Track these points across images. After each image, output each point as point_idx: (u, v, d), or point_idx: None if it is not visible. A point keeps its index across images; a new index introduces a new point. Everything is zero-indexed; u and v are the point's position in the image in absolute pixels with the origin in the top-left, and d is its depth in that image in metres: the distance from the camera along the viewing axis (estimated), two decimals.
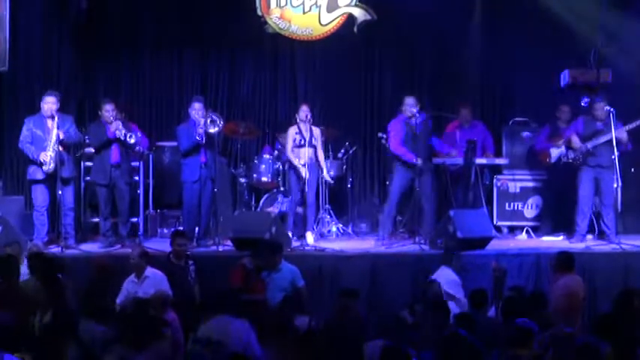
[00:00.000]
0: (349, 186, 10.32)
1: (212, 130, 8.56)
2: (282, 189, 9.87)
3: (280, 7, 10.74)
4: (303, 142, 8.98)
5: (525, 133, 10.18)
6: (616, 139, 8.55)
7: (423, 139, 8.89)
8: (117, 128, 8.45)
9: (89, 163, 9.21)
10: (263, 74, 10.95)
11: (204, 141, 8.59)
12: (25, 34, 10.16)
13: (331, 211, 9.86)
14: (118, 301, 7.11)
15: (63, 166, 8.38)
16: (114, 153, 8.57)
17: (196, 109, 8.76)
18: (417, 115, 8.77)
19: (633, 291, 6.36)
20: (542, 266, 8.12)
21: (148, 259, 7.35)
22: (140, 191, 8.88)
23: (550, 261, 7.73)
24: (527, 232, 9.64)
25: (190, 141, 8.66)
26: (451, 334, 5.21)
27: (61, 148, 8.37)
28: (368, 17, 10.78)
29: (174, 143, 9.33)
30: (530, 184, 9.98)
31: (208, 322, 5.77)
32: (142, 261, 7.27)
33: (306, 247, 8.66)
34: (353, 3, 10.81)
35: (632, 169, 9.61)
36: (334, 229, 9.79)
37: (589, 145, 8.80)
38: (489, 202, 9.76)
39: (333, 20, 10.82)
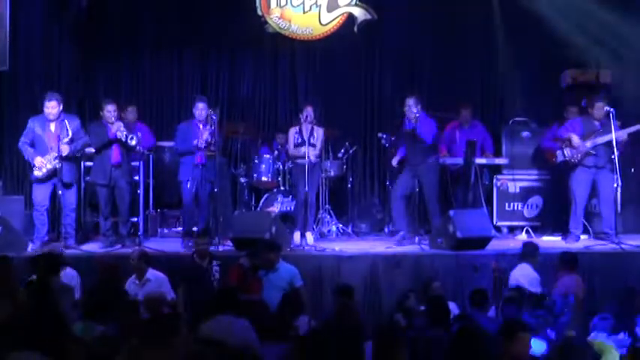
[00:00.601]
0: (349, 186, 10.33)
1: (211, 155, 8.57)
2: (282, 189, 9.88)
3: (280, 6, 10.75)
4: (300, 140, 9.00)
5: (525, 133, 10.18)
6: (616, 140, 8.55)
7: (421, 140, 8.88)
8: (118, 129, 8.44)
9: (89, 163, 9.21)
10: (263, 74, 10.96)
11: (204, 146, 8.59)
12: (25, 34, 10.18)
13: (331, 211, 9.87)
14: None
15: (64, 171, 8.35)
16: (114, 153, 8.55)
17: (200, 109, 8.77)
18: (417, 116, 8.76)
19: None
20: (542, 266, 8.11)
21: (147, 260, 7.35)
22: (140, 191, 8.88)
23: (551, 261, 7.73)
24: (526, 232, 9.63)
25: (187, 145, 8.66)
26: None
27: (56, 163, 8.31)
28: (368, 17, 10.79)
29: (173, 143, 9.33)
30: (530, 184, 9.98)
31: (208, 322, 5.78)
32: (141, 262, 7.27)
33: (306, 247, 8.65)
34: (353, 2, 10.82)
35: (632, 169, 9.61)
36: (334, 229, 9.79)
37: (588, 144, 8.80)
38: (489, 202, 9.76)
39: (333, 20, 10.83)
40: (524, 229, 9.68)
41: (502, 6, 10.45)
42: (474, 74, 10.75)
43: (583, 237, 9.01)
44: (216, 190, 8.73)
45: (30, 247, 8.35)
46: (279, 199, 9.84)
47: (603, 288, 7.88)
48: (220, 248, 8.42)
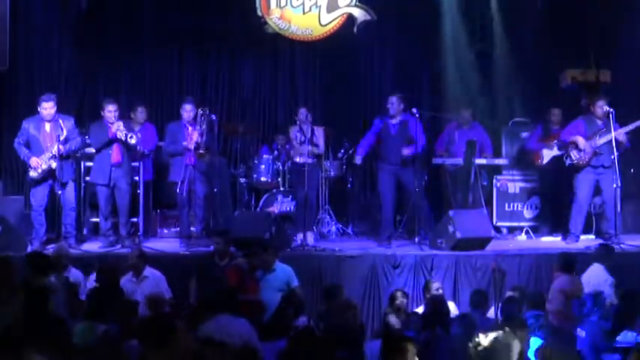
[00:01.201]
0: (349, 186, 10.33)
1: (202, 158, 8.55)
2: (281, 189, 9.88)
3: (280, 7, 10.75)
4: (303, 139, 9.00)
5: (525, 134, 10.18)
6: (615, 140, 8.55)
7: (399, 140, 8.86)
8: (118, 128, 8.43)
9: (89, 163, 9.21)
10: (263, 74, 10.97)
11: (194, 148, 8.56)
12: (25, 34, 10.17)
13: (331, 211, 9.87)
14: None
15: (61, 169, 8.34)
16: (115, 153, 8.54)
17: (187, 111, 8.76)
18: (398, 115, 8.77)
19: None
20: (541, 267, 8.12)
21: (145, 259, 7.37)
22: (140, 191, 8.88)
23: (551, 261, 7.74)
24: (526, 232, 9.64)
25: (177, 148, 8.66)
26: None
27: (51, 163, 8.30)
28: (368, 17, 10.79)
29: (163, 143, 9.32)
30: (530, 185, 9.99)
31: (208, 322, 5.78)
32: (140, 261, 7.29)
33: (306, 247, 8.65)
34: (353, 3, 10.82)
35: (632, 170, 9.61)
36: (334, 229, 9.79)
37: (594, 144, 8.78)
38: (489, 203, 9.76)
39: (333, 20, 10.83)
40: (524, 229, 9.68)
41: (502, 6, 10.45)
42: (474, 74, 10.74)
43: (583, 237, 9.01)
44: (215, 190, 8.72)
45: (29, 247, 8.34)
46: (278, 199, 9.84)
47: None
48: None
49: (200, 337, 5.60)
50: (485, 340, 5.06)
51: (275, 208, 9.72)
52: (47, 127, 8.41)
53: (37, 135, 8.40)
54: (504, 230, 9.96)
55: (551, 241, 9.19)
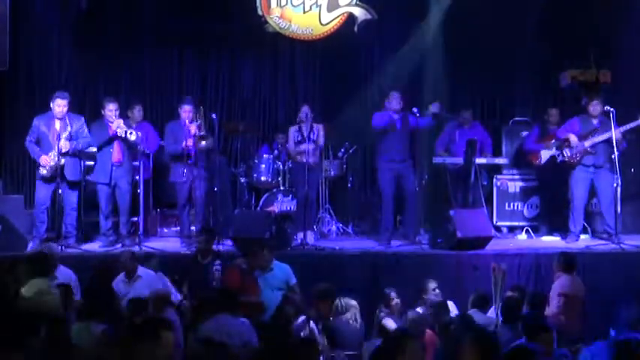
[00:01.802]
0: (349, 186, 10.32)
1: (202, 144, 8.55)
2: (282, 188, 9.88)
3: (280, 6, 10.75)
4: (301, 138, 9.01)
5: (525, 133, 10.18)
6: (609, 139, 8.56)
7: (404, 135, 8.85)
8: (118, 126, 8.45)
9: (89, 163, 9.21)
10: (263, 74, 10.97)
11: (193, 152, 8.56)
12: (25, 34, 10.17)
13: (331, 211, 9.87)
14: None
15: (68, 170, 8.36)
16: (115, 152, 8.57)
17: (186, 111, 8.77)
18: (400, 111, 8.77)
19: None
20: (541, 266, 8.12)
21: (137, 259, 7.39)
22: (140, 190, 8.88)
23: (551, 261, 7.74)
24: (526, 232, 9.64)
25: (176, 148, 8.66)
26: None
27: (57, 159, 8.30)
28: (368, 17, 10.79)
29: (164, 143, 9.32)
30: (530, 184, 9.98)
31: (208, 322, 5.79)
32: (132, 262, 7.29)
33: (306, 247, 8.65)
34: (353, 2, 10.81)
35: (632, 169, 9.61)
36: (334, 228, 9.79)
37: (586, 143, 8.80)
38: (489, 202, 9.76)
39: (333, 20, 10.83)
40: (524, 229, 9.68)
41: (502, 6, 10.45)
42: (474, 74, 10.74)
43: (583, 237, 9.02)
44: (215, 189, 8.73)
45: (29, 246, 8.34)
46: (279, 198, 9.84)
47: (604, 288, 7.88)
48: (220, 248, 8.42)
49: (199, 337, 5.62)
50: None
51: (275, 208, 9.72)
52: (57, 124, 8.42)
53: (46, 132, 8.42)
54: (504, 230, 9.96)
55: (551, 241, 9.19)
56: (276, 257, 7.57)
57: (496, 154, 9.94)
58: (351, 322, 6.61)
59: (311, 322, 6.44)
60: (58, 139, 8.31)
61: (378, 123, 8.92)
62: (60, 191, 8.35)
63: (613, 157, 8.56)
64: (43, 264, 6.62)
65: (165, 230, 9.70)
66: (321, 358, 6.04)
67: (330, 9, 10.82)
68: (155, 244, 8.71)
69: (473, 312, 6.70)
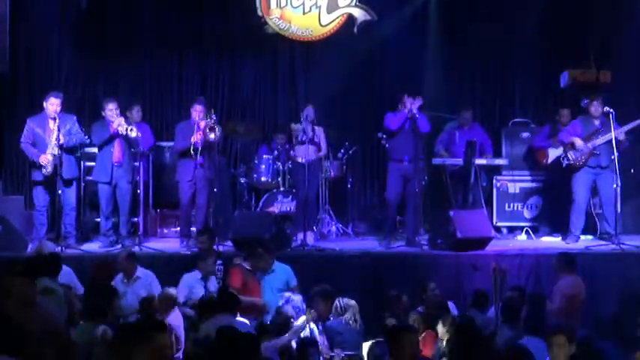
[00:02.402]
0: (349, 186, 10.32)
1: (211, 136, 8.57)
2: (281, 189, 9.87)
3: (280, 7, 10.75)
4: (304, 139, 9.01)
5: (525, 134, 10.19)
6: (615, 139, 8.55)
7: (411, 135, 8.84)
8: (119, 124, 8.47)
9: (90, 163, 9.23)
10: (263, 74, 10.96)
11: (201, 145, 8.58)
12: (25, 34, 10.16)
13: (331, 211, 9.87)
14: None
15: (64, 167, 8.38)
16: (116, 152, 8.59)
17: (197, 111, 8.78)
18: (416, 113, 8.75)
19: None
20: (541, 267, 8.12)
21: (135, 259, 7.38)
22: (140, 191, 8.89)
23: (551, 261, 7.74)
24: (526, 232, 9.64)
25: (185, 144, 8.67)
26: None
27: (58, 151, 8.32)
28: (368, 17, 10.79)
29: (173, 143, 9.33)
30: (530, 185, 9.99)
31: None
32: (130, 263, 7.29)
33: (306, 247, 8.65)
34: (353, 3, 10.81)
35: (632, 170, 9.61)
36: (334, 229, 9.79)
37: (590, 145, 8.79)
38: (489, 203, 9.76)
39: (333, 21, 10.83)
40: (524, 229, 9.68)
41: (502, 6, 10.45)
42: (474, 75, 10.74)
43: (583, 237, 9.01)
44: (215, 190, 8.73)
45: (29, 247, 8.34)
46: (278, 199, 9.83)
47: (603, 289, 7.89)
48: (220, 248, 8.43)
49: (200, 336, 5.62)
50: None
51: (275, 208, 9.72)
52: (51, 124, 8.44)
53: (41, 133, 8.44)
54: (504, 230, 9.96)
55: (551, 241, 9.19)
56: (277, 258, 7.57)
57: (496, 155, 9.93)
58: (350, 322, 6.61)
59: (311, 322, 6.44)
60: (58, 131, 8.31)
61: (392, 125, 8.87)
62: (59, 192, 8.35)
63: (613, 157, 8.56)
64: (49, 264, 6.63)
65: (165, 231, 9.69)
66: (321, 358, 6.06)
67: (329, 10, 10.82)
68: (155, 245, 8.70)
69: (473, 312, 6.70)
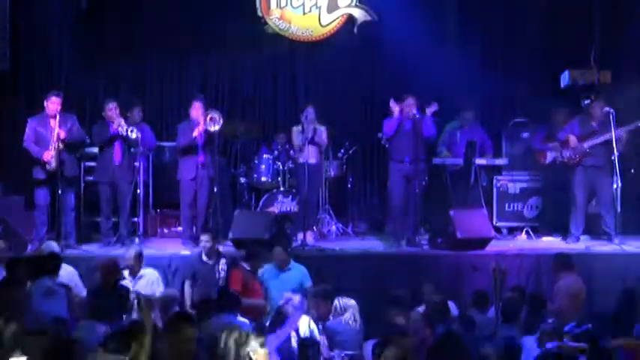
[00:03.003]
0: (349, 186, 10.32)
1: (212, 128, 8.57)
2: (282, 189, 9.87)
3: (280, 7, 10.75)
4: (304, 139, 9.02)
5: (525, 134, 10.19)
6: (615, 138, 8.55)
7: (413, 137, 8.83)
8: (120, 124, 8.47)
9: (90, 163, 9.23)
10: (263, 75, 10.96)
11: (202, 141, 8.59)
12: (25, 34, 10.16)
13: (331, 211, 9.87)
14: None
15: (65, 165, 8.39)
16: (116, 152, 8.60)
17: (196, 109, 8.79)
18: (417, 115, 8.74)
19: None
20: (541, 267, 8.12)
21: (142, 260, 7.40)
22: (140, 191, 8.89)
23: (551, 262, 7.74)
24: (526, 232, 9.64)
25: (187, 139, 8.68)
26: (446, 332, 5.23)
27: (61, 146, 8.34)
28: (368, 18, 10.80)
29: (175, 143, 9.33)
30: (530, 185, 9.99)
31: (209, 322, 5.79)
32: (137, 262, 7.32)
33: (306, 247, 8.65)
34: (353, 3, 10.82)
35: (632, 170, 9.61)
36: (334, 229, 9.79)
37: (585, 145, 8.81)
38: (489, 203, 9.76)
39: (333, 21, 10.83)
40: (524, 229, 9.68)
41: (501, 6, 10.45)
42: (474, 75, 10.73)
43: (583, 237, 9.02)
44: (215, 190, 8.73)
45: (29, 247, 8.35)
46: (279, 199, 9.84)
47: (603, 289, 7.88)
48: (220, 248, 8.42)
49: (200, 336, 5.60)
50: None
51: (275, 208, 9.72)
52: (52, 122, 8.44)
53: (43, 131, 8.45)
54: (504, 230, 9.96)
55: (552, 242, 9.19)
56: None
57: (496, 155, 9.93)
58: (350, 322, 6.61)
59: (311, 322, 6.43)
60: (58, 138, 8.32)
61: (388, 131, 8.89)
62: (60, 192, 8.35)
63: (613, 158, 8.56)
64: (48, 263, 6.64)
65: (166, 231, 9.69)
66: (321, 358, 6.06)
67: (329, 10, 10.83)
68: (155, 245, 8.70)
69: (473, 312, 6.70)
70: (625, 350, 5.22)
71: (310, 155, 8.97)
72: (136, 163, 8.80)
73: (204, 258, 7.56)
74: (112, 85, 10.57)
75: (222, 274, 7.27)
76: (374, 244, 9.07)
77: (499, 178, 9.97)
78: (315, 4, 10.80)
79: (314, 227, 9.31)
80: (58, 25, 10.39)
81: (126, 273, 7.30)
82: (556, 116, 9.66)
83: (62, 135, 8.31)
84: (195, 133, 8.59)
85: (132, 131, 8.48)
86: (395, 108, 8.79)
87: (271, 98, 10.96)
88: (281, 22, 10.76)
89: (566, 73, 9.97)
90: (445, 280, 7.87)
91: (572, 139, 8.87)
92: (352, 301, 6.74)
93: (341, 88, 10.75)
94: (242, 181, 10.09)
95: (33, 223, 8.59)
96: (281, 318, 6.40)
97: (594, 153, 8.78)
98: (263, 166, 9.88)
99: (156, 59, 10.76)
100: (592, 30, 9.83)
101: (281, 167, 9.88)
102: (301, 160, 9.07)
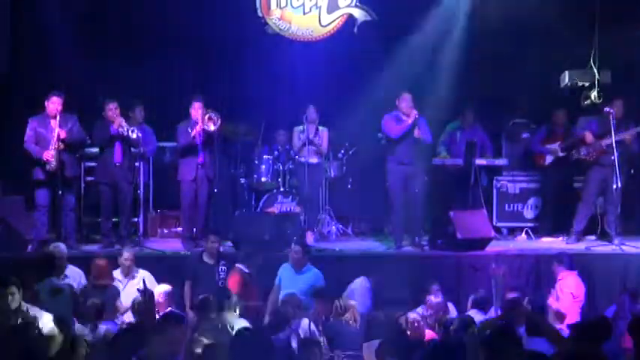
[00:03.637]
0: (349, 186, 10.32)
1: (211, 128, 8.57)
2: (282, 189, 9.87)
3: (280, 7, 10.75)
4: (304, 139, 9.01)
5: (525, 135, 10.19)
6: (623, 138, 8.57)
7: (413, 139, 8.83)
8: (120, 124, 8.47)
9: (90, 164, 9.22)
10: (263, 75, 10.94)
11: (201, 140, 8.59)
12: (25, 34, 10.16)
13: (331, 212, 9.86)
14: None
15: (65, 165, 8.38)
16: (117, 152, 8.60)
17: (196, 109, 8.78)
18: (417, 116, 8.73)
19: None
20: (541, 267, 8.13)
21: (134, 260, 7.45)
22: (140, 191, 8.89)
23: (551, 262, 7.75)
24: (526, 233, 9.64)
25: (186, 139, 8.67)
26: None
27: (61, 146, 8.34)
28: (368, 17, 10.80)
29: (175, 143, 9.34)
30: (530, 186, 9.99)
31: (209, 321, 5.79)
32: (130, 263, 7.35)
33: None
34: (353, 4, 10.82)
35: (632, 170, 9.61)
36: (334, 229, 9.79)
37: (603, 142, 8.78)
38: (489, 204, 9.76)
39: (333, 21, 10.84)
40: (524, 230, 9.68)
41: (502, 7, 10.44)
42: (474, 75, 10.73)
43: (586, 237, 9.01)
44: (215, 190, 8.73)
45: (29, 247, 8.35)
46: (279, 199, 9.83)
47: (603, 289, 7.89)
48: (220, 248, 8.42)
49: (200, 336, 5.61)
50: None
51: (275, 209, 9.71)
52: (52, 123, 8.44)
53: (44, 132, 8.45)
54: (504, 231, 9.96)
55: (551, 242, 9.19)
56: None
57: (496, 156, 9.93)
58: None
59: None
60: (58, 138, 8.33)
61: (393, 133, 8.84)
62: (60, 192, 8.35)
63: (612, 158, 8.55)
64: (53, 264, 6.66)
65: (166, 231, 9.69)
66: (321, 358, 6.06)
67: (330, 10, 10.83)
68: (155, 245, 8.70)
69: (473, 312, 6.71)
70: None
71: (310, 155, 8.96)
72: (136, 164, 8.81)
73: (205, 258, 7.56)
74: (112, 85, 10.54)
75: (223, 275, 7.27)
76: (374, 245, 9.07)
77: (499, 178, 9.97)
78: (315, 4, 10.80)
79: (314, 227, 9.31)
80: (58, 25, 10.38)
81: (118, 273, 7.32)
82: (556, 118, 9.66)
83: (62, 135, 8.31)
84: (193, 133, 8.58)
85: (132, 131, 8.49)
86: (412, 112, 8.71)
87: (271, 98, 10.95)
88: (281, 22, 10.77)
89: (566, 73, 9.97)
90: (445, 281, 7.86)
91: (589, 136, 8.86)
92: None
93: (341, 88, 10.74)
94: (242, 182, 10.09)
95: (33, 223, 8.59)
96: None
97: (611, 151, 8.74)
98: (263, 167, 9.88)
99: (156, 59, 10.74)
100: (592, 30, 9.82)
101: (281, 168, 9.88)
102: (302, 160, 9.07)
